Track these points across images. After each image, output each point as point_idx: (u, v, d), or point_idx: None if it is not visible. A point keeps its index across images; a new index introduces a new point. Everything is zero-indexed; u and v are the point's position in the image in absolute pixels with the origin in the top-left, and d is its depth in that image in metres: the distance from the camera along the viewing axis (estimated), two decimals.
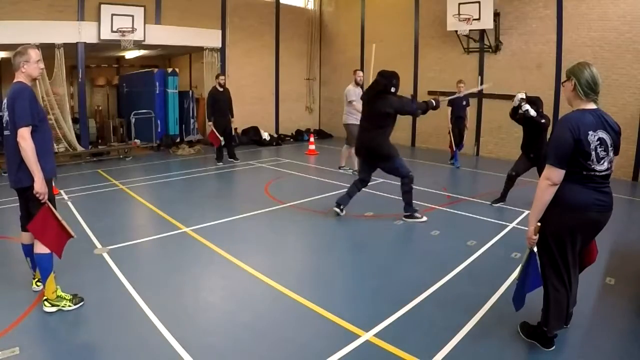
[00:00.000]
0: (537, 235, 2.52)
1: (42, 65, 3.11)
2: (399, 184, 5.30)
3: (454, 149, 8.90)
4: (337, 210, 5.34)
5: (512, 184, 5.84)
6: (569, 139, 2.34)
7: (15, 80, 3.04)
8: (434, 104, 5.11)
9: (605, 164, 2.40)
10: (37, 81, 3.29)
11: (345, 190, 5.52)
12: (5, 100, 2.99)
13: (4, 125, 3.01)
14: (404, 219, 5.26)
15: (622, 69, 8.06)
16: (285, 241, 4.84)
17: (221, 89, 8.81)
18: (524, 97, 5.50)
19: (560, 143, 2.37)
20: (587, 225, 2.48)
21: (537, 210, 2.47)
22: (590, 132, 2.35)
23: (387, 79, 4.95)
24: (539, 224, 2.50)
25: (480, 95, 10.15)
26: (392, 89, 4.94)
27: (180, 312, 3.11)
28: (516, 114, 5.61)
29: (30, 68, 3.00)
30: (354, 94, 7.59)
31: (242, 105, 9.90)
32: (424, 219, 5.23)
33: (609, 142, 2.39)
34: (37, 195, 2.91)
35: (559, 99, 8.80)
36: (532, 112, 5.35)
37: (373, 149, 5.10)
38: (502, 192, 5.92)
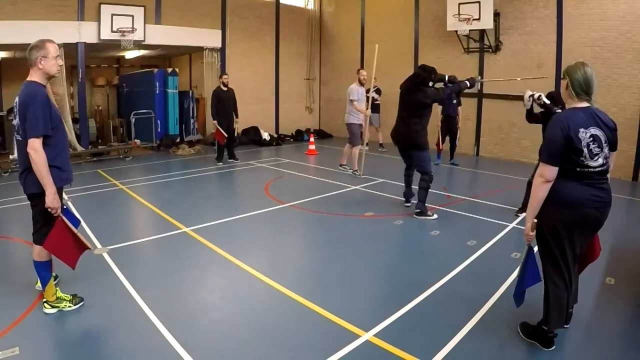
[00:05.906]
0: (534, 232, 2.55)
1: (60, 61, 2.89)
2: (402, 183, 5.67)
3: (441, 148, 8.95)
4: (408, 204, 5.78)
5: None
6: (559, 137, 2.39)
7: (28, 79, 2.79)
8: (468, 84, 5.40)
9: (600, 159, 2.42)
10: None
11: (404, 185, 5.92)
12: (16, 103, 2.77)
13: (15, 129, 2.83)
14: (415, 215, 5.38)
15: (622, 69, 8.05)
16: (285, 241, 4.84)
17: (225, 89, 8.83)
18: (532, 93, 4.97)
19: (551, 141, 2.43)
20: (584, 221, 2.49)
21: (533, 207, 2.51)
22: (582, 130, 2.38)
23: (428, 72, 5.25)
24: (535, 220, 2.52)
25: (480, 96, 10.15)
26: (431, 83, 5.26)
27: (180, 312, 3.11)
28: (531, 115, 5.18)
29: (49, 64, 2.77)
30: (357, 93, 7.57)
31: (242, 105, 9.90)
32: (435, 216, 5.38)
33: (602, 138, 2.41)
34: (50, 210, 2.77)
35: None
36: (546, 100, 4.89)
37: (409, 138, 5.35)
38: (524, 200, 5.48)
